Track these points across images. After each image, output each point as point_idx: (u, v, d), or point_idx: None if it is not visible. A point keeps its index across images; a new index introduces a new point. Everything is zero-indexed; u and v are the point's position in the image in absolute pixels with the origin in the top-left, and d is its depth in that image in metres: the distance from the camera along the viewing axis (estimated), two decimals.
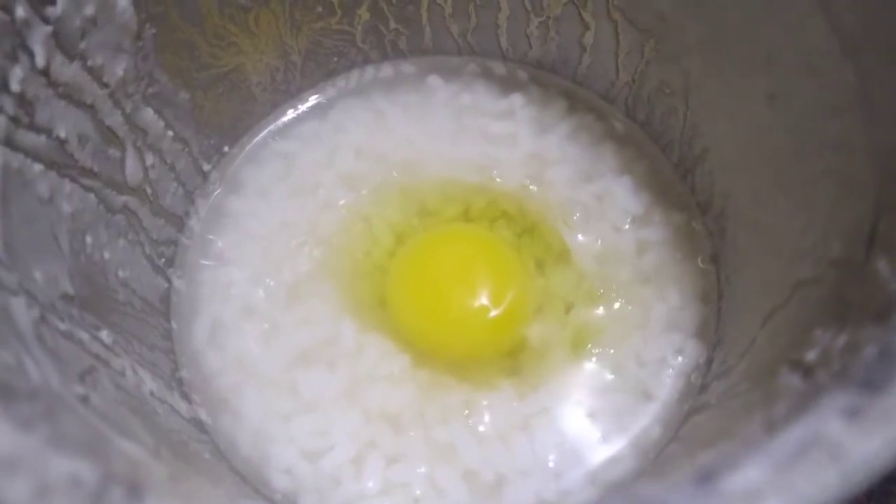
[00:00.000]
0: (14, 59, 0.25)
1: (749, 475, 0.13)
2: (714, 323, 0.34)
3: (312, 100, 0.41)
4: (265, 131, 0.40)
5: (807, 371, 0.19)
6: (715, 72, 0.33)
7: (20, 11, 0.25)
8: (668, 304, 0.36)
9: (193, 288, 0.37)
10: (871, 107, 0.24)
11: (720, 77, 0.33)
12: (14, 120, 0.25)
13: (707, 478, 0.13)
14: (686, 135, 0.36)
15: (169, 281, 0.36)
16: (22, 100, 0.26)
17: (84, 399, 0.21)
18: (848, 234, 0.23)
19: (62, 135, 0.28)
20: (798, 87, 0.28)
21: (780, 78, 0.29)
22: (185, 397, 0.33)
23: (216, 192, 0.38)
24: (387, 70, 0.42)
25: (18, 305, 0.21)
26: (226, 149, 0.39)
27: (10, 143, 0.25)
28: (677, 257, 0.37)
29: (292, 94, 0.40)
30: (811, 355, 0.20)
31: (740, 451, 0.14)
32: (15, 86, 0.25)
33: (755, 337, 0.28)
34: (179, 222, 0.37)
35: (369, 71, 0.41)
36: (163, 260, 0.35)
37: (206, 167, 0.38)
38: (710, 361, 0.33)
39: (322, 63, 0.40)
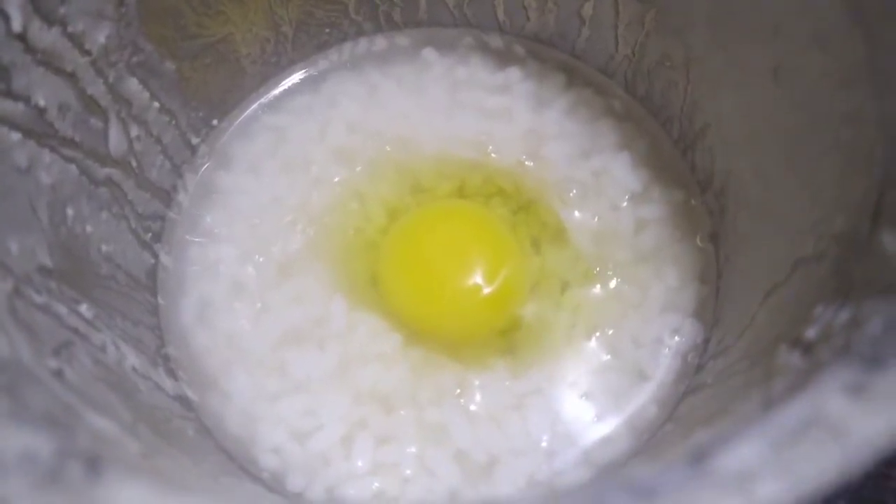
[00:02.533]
0: None
1: (743, 454, 0.12)
2: (712, 303, 0.34)
3: (304, 73, 0.40)
4: (255, 105, 0.39)
5: (807, 348, 0.18)
6: (718, 44, 0.32)
7: None
8: (666, 284, 0.35)
9: (181, 264, 0.36)
10: (881, 78, 0.23)
11: (724, 49, 0.31)
12: None
13: (700, 457, 0.13)
14: (686, 110, 0.35)
15: (156, 256, 0.35)
16: None
17: (57, 373, 0.20)
18: (853, 209, 0.22)
19: (41, 103, 0.27)
20: (805, 59, 0.27)
21: (787, 50, 0.28)
22: (171, 374, 0.32)
23: (205, 167, 0.38)
24: (380, 42, 0.41)
25: None
26: (215, 122, 0.38)
27: None
28: (676, 236, 0.36)
29: (283, 67, 0.39)
30: (811, 332, 0.19)
31: (735, 430, 0.13)
32: None
33: (754, 315, 0.27)
34: (167, 197, 0.36)
35: (362, 43, 0.40)
36: (149, 235, 0.34)
37: (195, 140, 0.37)
38: (707, 341, 0.33)
39: (314, 35, 0.39)
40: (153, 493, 0.13)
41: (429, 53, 0.40)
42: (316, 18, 0.38)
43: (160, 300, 0.34)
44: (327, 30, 0.39)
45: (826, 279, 0.22)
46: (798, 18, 0.27)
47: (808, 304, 0.21)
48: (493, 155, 0.38)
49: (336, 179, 0.38)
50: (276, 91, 0.40)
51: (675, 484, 0.12)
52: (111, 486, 0.13)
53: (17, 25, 0.25)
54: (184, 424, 0.28)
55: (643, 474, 0.12)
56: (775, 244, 0.28)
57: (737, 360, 0.27)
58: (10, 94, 0.25)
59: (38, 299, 0.23)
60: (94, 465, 0.13)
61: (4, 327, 0.19)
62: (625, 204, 0.36)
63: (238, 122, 0.39)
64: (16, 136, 0.26)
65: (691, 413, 0.28)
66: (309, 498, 0.31)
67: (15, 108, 0.26)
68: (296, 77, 0.40)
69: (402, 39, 0.41)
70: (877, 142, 0.22)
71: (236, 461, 0.31)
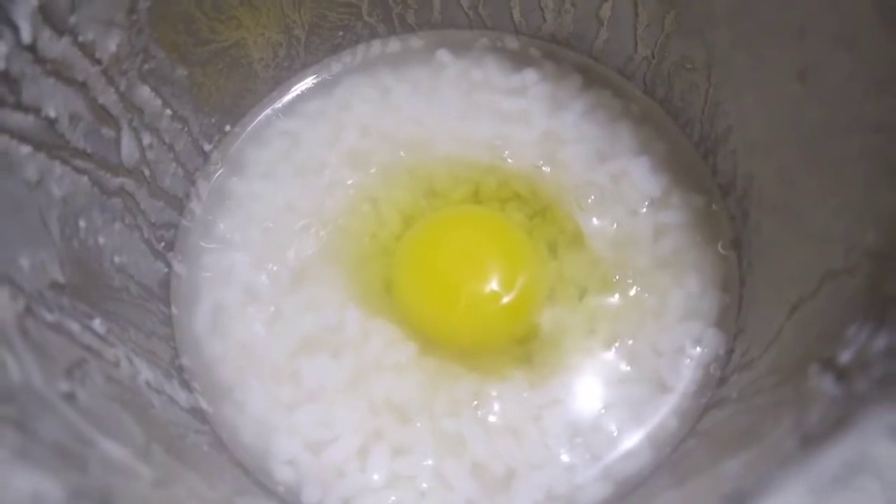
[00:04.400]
0: None
1: (784, 501, 0.12)
2: (735, 312, 0.33)
3: (317, 76, 0.39)
4: (268, 109, 0.39)
5: (841, 373, 0.18)
6: (742, 45, 0.31)
7: None
8: (687, 291, 0.34)
9: (194, 272, 0.35)
10: None
11: (747, 50, 0.31)
12: None
13: (736, 501, 0.12)
14: (708, 112, 0.35)
15: (169, 265, 0.34)
16: (6, 77, 0.24)
17: (69, 397, 0.20)
18: (886, 222, 0.21)
19: (52, 114, 0.27)
20: (833, 61, 0.26)
21: (813, 51, 0.27)
22: (185, 385, 0.32)
23: (218, 173, 0.37)
24: (394, 45, 0.40)
25: (0, 297, 0.20)
26: (227, 128, 0.37)
27: None
28: (696, 242, 0.35)
29: (296, 71, 0.39)
30: (845, 356, 0.18)
31: (773, 470, 0.13)
32: None
33: (781, 329, 0.27)
34: (179, 204, 0.35)
35: (376, 46, 0.40)
36: (162, 244, 0.34)
37: (207, 147, 0.37)
38: (730, 352, 0.32)
39: (326, 38, 0.38)
40: None
41: (443, 55, 0.40)
42: (328, 21, 0.38)
43: (173, 310, 0.34)
44: (340, 33, 0.38)
45: (858, 296, 0.21)
46: (825, 18, 0.26)
47: (840, 323, 0.21)
48: (508, 159, 0.38)
49: (350, 184, 0.37)
50: (289, 95, 0.39)
51: None
52: None
53: (26, 36, 0.25)
54: (198, 439, 0.28)
55: None
56: (802, 254, 0.27)
57: (763, 375, 0.26)
58: (19, 107, 0.25)
59: (51, 318, 0.23)
60: None
61: (15, 350, 0.19)
62: (644, 209, 0.36)
63: (251, 127, 0.38)
64: (26, 149, 0.25)
65: (715, 430, 0.28)
66: None
67: (25, 121, 0.25)
68: (308, 81, 0.39)
69: (416, 42, 0.40)
70: None
71: (251, 475, 0.31)
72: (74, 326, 0.24)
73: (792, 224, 0.29)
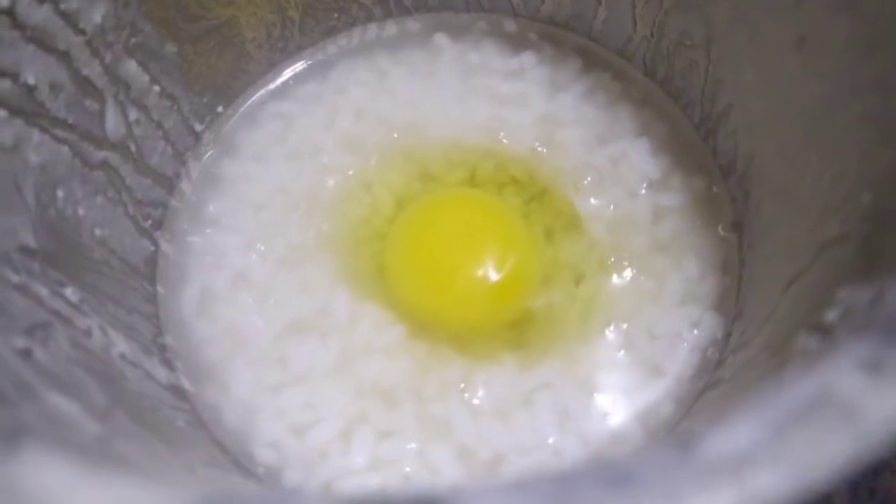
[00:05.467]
0: None
1: (739, 438, 0.11)
2: (734, 295, 0.32)
3: (312, 59, 0.39)
4: (262, 91, 0.38)
5: (826, 331, 0.17)
6: (740, 17, 0.30)
7: None
8: (686, 275, 0.33)
9: (183, 253, 0.35)
10: None
11: (745, 23, 0.30)
12: None
13: (688, 442, 0.11)
14: (708, 90, 0.33)
15: (156, 244, 0.34)
16: None
17: (24, 352, 0.19)
18: (881, 183, 0.20)
19: (30, 81, 0.26)
20: (831, 26, 0.25)
21: (812, 18, 0.26)
22: (167, 364, 0.31)
23: (209, 154, 0.37)
24: (391, 28, 0.39)
25: None
26: (219, 109, 0.37)
27: None
28: (696, 224, 0.34)
29: (291, 53, 0.38)
30: (832, 315, 0.17)
31: (734, 414, 0.12)
32: None
33: (776, 306, 0.25)
34: (169, 184, 0.35)
35: (372, 29, 0.39)
36: (149, 222, 0.34)
37: (198, 127, 0.36)
38: (728, 336, 0.31)
39: (322, 19, 0.38)
40: (80, 471, 0.12)
41: (440, 39, 0.39)
42: (323, 2, 0.37)
43: (159, 288, 0.34)
44: (335, 14, 0.38)
45: (851, 261, 0.20)
46: None
47: (832, 288, 0.19)
48: (505, 141, 0.37)
49: (344, 167, 0.37)
50: (284, 77, 0.39)
51: (656, 471, 0.10)
52: (29, 461, 0.11)
53: (3, 0, 0.25)
54: (173, 415, 0.27)
55: (623, 463, 0.11)
56: (799, 229, 0.26)
57: (757, 352, 0.25)
58: None
59: (15, 279, 0.22)
60: (13, 437, 0.12)
61: None
62: (643, 191, 0.35)
63: (244, 108, 0.38)
64: (1, 112, 0.25)
65: (707, 409, 0.26)
66: (305, 493, 0.30)
67: (2, 84, 0.25)
68: (303, 63, 0.39)
69: (413, 24, 0.40)
70: None
71: (230, 455, 0.30)
72: (43, 291, 0.24)
73: (790, 200, 0.28)
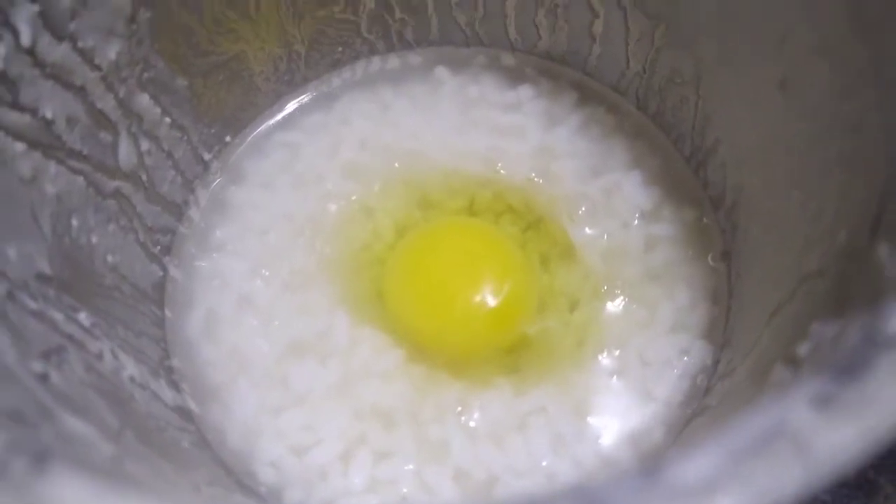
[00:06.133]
0: None
1: (700, 466, 0.12)
2: (723, 323, 0.33)
3: (317, 91, 0.40)
4: (269, 122, 0.40)
5: (797, 365, 0.18)
6: (727, 57, 0.31)
7: None
8: (676, 304, 0.34)
9: (190, 277, 0.36)
10: (884, 86, 0.22)
11: (731, 63, 0.31)
12: None
13: (654, 469, 0.12)
14: (698, 125, 0.35)
15: (164, 269, 0.35)
16: (4, 78, 0.25)
17: (42, 377, 0.20)
18: (854, 222, 0.21)
19: (48, 115, 0.28)
20: (811, 70, 0.26)
21: (793, 61, 0.27)
22: (174, 385, 0.32)
23: (217, 182, 0.38)
24: (393, 61, 0.41)
25: None
26: (227, 138, 0.38)
27: None
28: (687, 254, 0.35)
29: (297, 85, 0.40)
30: (804, 349, 0.18)
31: (702, 444, 0.13)
32: None
33: (760, 335, 0.27)
34: (178, 211, 0.36)
35: (375, 62, 0.41)
36: (158, 248, 0.35)
37: (207, 156, 0.38)
38: (716, 363, 0.32)
39: (326, 53, 0.39)
40: (99, 490, 0.13)
41: (441, 72, 0.40)
42: (328, 37, 0.39)
43: (167, 313, 0.35)
44: (340, 48, 0.40)
45: (825, 296, 0.21)
46: (803, 29, 0.26)
47: (807, 322, 0.20)
48: (502, 172, 0.38)
49: (347, 195, 0.38)
50: (290, 109, 0.40)
51: (625, 496, 0.11)
52: (54, 482, 0.12)
53: (25, 40, 0.26)
54: (179, 436, 0.28)
55: (594, 489, 0.12)
56: (784, 260, 0.27)
57: (741, 381, 0.26)
58: (16, 106, 0.26)
59: (33, 305, 0.24)
60: (40, 460, 0.13)
61: None
62: (635, 222, 0.36)
63: (251, 138, 0.39)
64: (20, 146, 0.26)
65: (695, 437, 0.27)
66: None
67: (21, 120, 0.26)
68: (309, 95, 0.40)
69: (415, 58, 0.41)
70: (879, 153, 0.21)
71: (233, 474, 0.31)
72: (58, 316, 0.25)
73: (777, 231, 0.29)
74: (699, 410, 0.30)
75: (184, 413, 0.31)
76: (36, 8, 0.26)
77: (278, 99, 0.40)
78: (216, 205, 0.38)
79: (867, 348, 0.13)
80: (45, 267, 0.26)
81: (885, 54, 0.22)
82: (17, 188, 0.26)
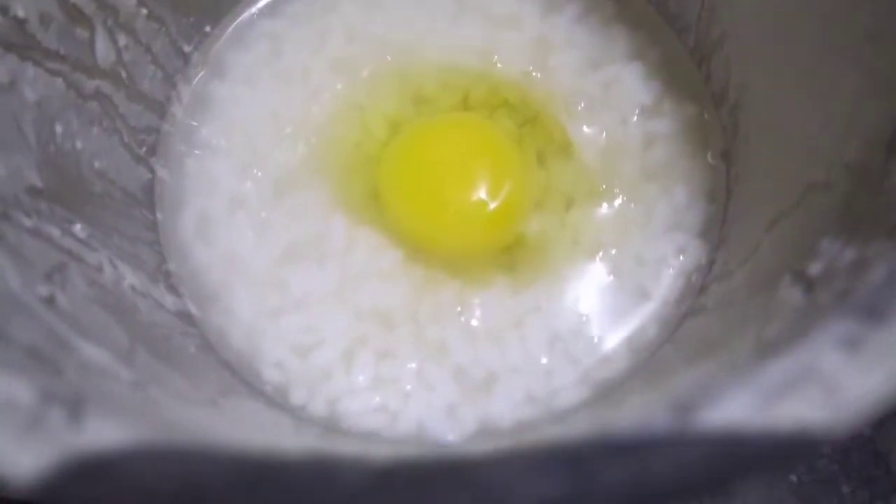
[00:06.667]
0: None
1: (730, 408, 0.12)
2: (720, 223, 0.33)
3: None
4: (250, 9, 0.37)
5: (809, 285, 0.18)
6: None
7: None
8: (674, 202, 0.34)
9: (178, 178, 0.35)
10: None
11: None
12: None
13: (684, 408, 0.12)
14: (703, 17, 0.33)
15: (152, 171, 0.34)
16: None
17: (48, 300, 0.20)
18: (867, 136, 0.21)
19: (20, 14, 0.26)
20: None
21: None
22: (173, 290, 0.32)
23: (199, 76, 0.36)
24: None
25: None
26: (207, 28, 0.36)
27: None
28: (686, 152, 0.35)
29: None
30: (815, 268, 0.18)
31: (723, 379, 0.13)
32: None
33: (759, 242, 0.27)
34: (160, 108, 0.35)
35: None
36: (144, 149, 0.34)
37: (187, 48, 0.36)
38: (711, 263, 0.32)
39: None
40: (138, 434, 0.13)
41: None
42: None
43: (158, 215, 0.34)
44: None
45: (834, 211, 0.21)
46: None
47: (815, 237, 0.21)
48: (498, 65, 0.37)
49: (335, 90, 0.37)
50: None
51: (654, 440, 0.12)
52: (94, 432, 0.13)
53: None
54: (185, 341, 0.29)
55: (624, 428, 0.12)
56: (786, 167, 0.27)
57: (738, 287, 0.26)
58: None
59: (28, 223, 0.23)
60: (76, 409, 0.13)
61: None
62: (635, 118, 0.35)
63: (232, 28, 0.37)
64: None
65: (689, 338, 0.28)
66: (311, 410, 0.32)
67: None
68: None
69: None
70: None
71: (239, 375, 0.31)
72: (54, 231, 0.24)
73: (779, 137, 0.29)
74: (693, 310, 0.31)
75: (185, 317, 0.31)
76: None
77: None
78: (199, 101, 0.36)
79: (893, 289, 0.13)
80: (35, 179, 0.25)
81: None
82: None
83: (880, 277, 0.14)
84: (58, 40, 0.27)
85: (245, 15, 0.37)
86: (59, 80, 0.28)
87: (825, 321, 0.13)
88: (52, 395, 0.13)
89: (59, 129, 0.27)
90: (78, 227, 0.26)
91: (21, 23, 0.26)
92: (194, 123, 0.36)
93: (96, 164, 0.30)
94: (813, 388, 0.12)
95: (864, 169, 0.20)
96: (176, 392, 0.21)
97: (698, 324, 0.29)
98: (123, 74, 0.31)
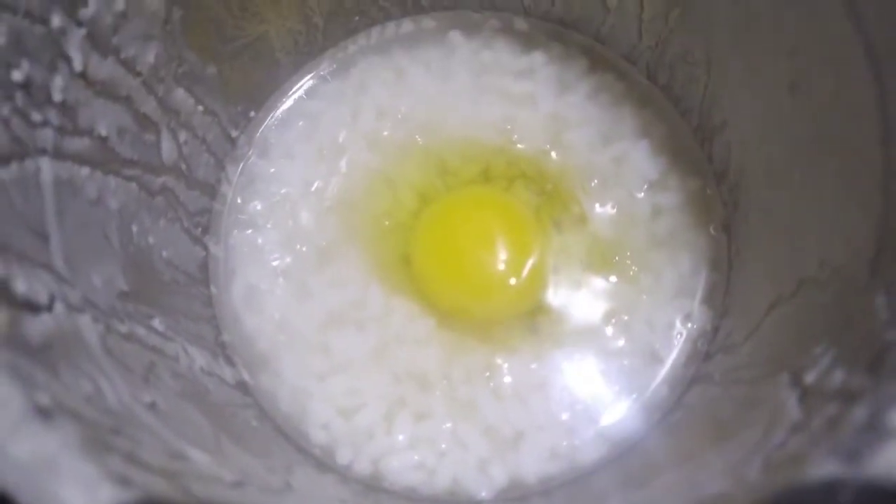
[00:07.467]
0: (54, 69, 0.26)
1: None
2: (722, 291, 0.36)
3: (334, 59, 0.41)
4: (290, 93, 0.41)
5: (804, 394, 0.21)
6: (739, 51, 0.33)
7: (56, 21, 0.26)
8: (679, 270, 0.37)
9: (229, 252, 0.38)
10: (889, 125, 0.25)
11: (744, 57, 0.33)
12: (60, 129, 0.26)
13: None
14: (706, 104, 0.37)
15: (206, 249, 0.38)
16: (64, 107, 0.27)
17: (151, 406, 0.23)
18: (854, 246, 0.24)
19: (103, 132, 0.29)
20: (819, 80, 0.29)
21: (802, 69, 0.29)
22: (229, 361, 0.35)
23: (245, 157, 0.40)
24: (407, 26, 0.41)
25: (86, 323, 0.23)
26: (252, 114, 0.39)
27: (58, 154, 0.26)
28: (690, 223, 0.38)
29: (315, 55, 0.40)
30: (810, 377, 0.22)
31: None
32: (57, 95, 0.26)
33: (760, 323, 0.30)
34: (212, 190, 0.38)
35: (390, 27, 0.41)
36: (199, 229, 0.37)
37: (234, 133, 0.39)
38: (716, 330, 0.35)
39: (343, 23, 0.40)
40: None
41: (455, 36, 0.41)
42: (345, 8, 0.39)
43: (213, 289, 0.37)
44: (356, 17, 0.40)
45: (827, 311, 0.25)
46: (813, 42, 0.28)
47: (811, 335, 0.24)
48: (516, 139, 0.40)
49: (367, 164, 0.40)
50: (309, 79, 0.41)
51: None
52: None
53: (78, 65, 0.27)
54: (246, 414, 0.32)
55: None
56: (781, 254, 0.31)
57: (742, 366, 0.30)
58: (77, 132, 0.27)
59: (123, 329, 0.26)
60: None
61: (106, 372, 0.22)
62: (642, 194, 0.38)
63: (274, 111, 0.40)
64: (85, 170, 0.28)
65: (700, 407, 0.32)
66: (356, 469, 0.35)
67: (81, 144, 0.28)
68: (327, 64, 0.41)
69: (429, 22, 0.42)
70: (878, 186, 0.24)
71: (291, 440, 0.35)
72: (140, 331, 0.27)
73: (774, 223, 0.32)
74: (701, 376, 0.34)
75: (242, 387, 0.35)
76: (83, 31, 0.27)
77: (297, 69, 0.40)
78: (246, 180, 0.40)
79: (871, 434, 0.16)
80: (122, 283, 0.28)
81: (891, 92, 0.25)
82: (87, 212, 0.28)
83: (861, 419, 0.17)
84: (131, 148, 0.31)
85: (285, 98, 0.40)
86: (133, 185, 0.31)
87: (818, 453, 0.17)
88: None
89: (135, 229, 0.31)
90: (157, 321, 0.29)
91: (103, 140, 0.29)
92: (242, 201, 0.39)
93: (164, 254, 0.33)
94: None
95: (851, 279, 0.23)
96: (265, 485, 0.24)
97: (707, 394, 0.32)
98: (183, 167, 0.35)
